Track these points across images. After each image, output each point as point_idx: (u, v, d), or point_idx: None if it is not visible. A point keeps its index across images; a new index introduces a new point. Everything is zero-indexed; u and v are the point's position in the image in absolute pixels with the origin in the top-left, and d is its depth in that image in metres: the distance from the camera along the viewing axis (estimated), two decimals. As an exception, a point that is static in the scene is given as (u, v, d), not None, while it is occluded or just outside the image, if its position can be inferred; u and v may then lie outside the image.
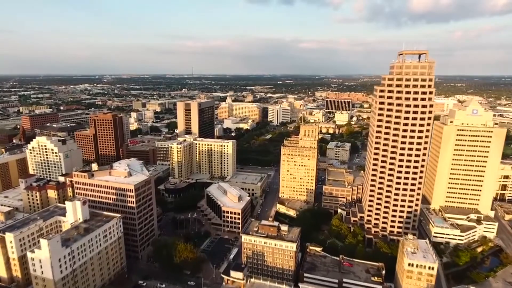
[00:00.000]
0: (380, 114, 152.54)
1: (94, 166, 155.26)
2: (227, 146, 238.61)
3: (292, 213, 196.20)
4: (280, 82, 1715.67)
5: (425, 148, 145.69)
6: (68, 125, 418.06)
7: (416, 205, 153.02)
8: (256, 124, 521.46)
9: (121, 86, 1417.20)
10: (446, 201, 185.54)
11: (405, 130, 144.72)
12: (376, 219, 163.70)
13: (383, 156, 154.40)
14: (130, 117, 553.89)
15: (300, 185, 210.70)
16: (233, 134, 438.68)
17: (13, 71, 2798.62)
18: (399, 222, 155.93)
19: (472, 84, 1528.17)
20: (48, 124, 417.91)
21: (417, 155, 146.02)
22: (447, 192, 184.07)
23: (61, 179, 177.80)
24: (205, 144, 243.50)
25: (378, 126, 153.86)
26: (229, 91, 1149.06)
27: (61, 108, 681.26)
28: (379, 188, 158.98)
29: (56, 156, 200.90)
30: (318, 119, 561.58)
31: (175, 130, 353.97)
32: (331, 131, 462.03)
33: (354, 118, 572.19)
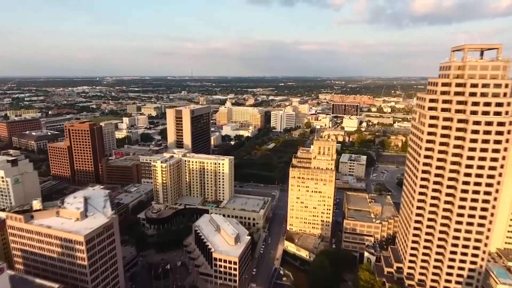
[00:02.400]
0: (431, 133, 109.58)
1: (36, 203, 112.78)
2: (223, 164, 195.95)
3: (304, 254, 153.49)
4: (282, 84, 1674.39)
5: (498, 183, 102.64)
6: (49, 133, 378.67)
7: (482, 259, 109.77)
8: (258, 130, 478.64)
9: (120, 88, 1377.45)
10: (505, 242, 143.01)
11: (471, 158, 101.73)
12: (422, 274, 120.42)
13: (434, 190, 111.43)
14: (122, 122, 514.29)
15: (313, 216, 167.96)
16: (232, 142, 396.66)
17: (14, 73, 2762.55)
18: (457, 282, 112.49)
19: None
20: (27, 132, 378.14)
21: (487, 193, 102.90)
22: (508, 231, 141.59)
23: (1, 215, 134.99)
24: (196, 162, 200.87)
25: (428, 149, 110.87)
26: (229, 94, 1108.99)
27: (50, 112, 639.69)
28: (428, 234, 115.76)
29: (3, 181, 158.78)
30: (325, 125, 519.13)
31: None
32: (340, 138, 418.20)
33: (364, 124, 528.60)
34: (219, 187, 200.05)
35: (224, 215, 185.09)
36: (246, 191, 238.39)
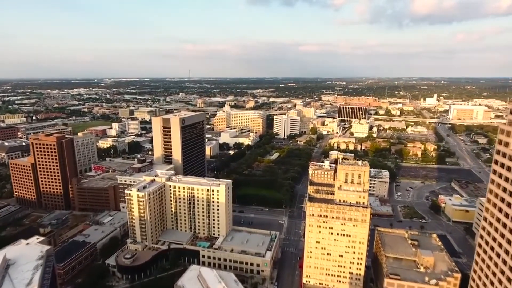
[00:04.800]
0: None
1: None
2: (218, 191, 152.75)
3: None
4: (282, 85, 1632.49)
5: None
6: (24, 143, 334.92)
7: None
8: (259, 137, 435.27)
9: (116, 90, 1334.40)
10: None
11: None
12: None
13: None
14: (111, 128, 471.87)
15: (339, 266, 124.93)
16: (231, 152, 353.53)
17: (13, 76, 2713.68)
18: None
19: (480, 86, 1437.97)
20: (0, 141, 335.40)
21: None
22: None
23: None
24: (183, 188, 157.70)
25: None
26: (229, 95, 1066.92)
27: (35, 117, 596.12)
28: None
29: None
30: (332, 131, 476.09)
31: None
32: (351, 147, 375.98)
33: (374, 129, 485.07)
34: (213, 220, 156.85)
35: (219, 259, 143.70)
36: (248, 218, 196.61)
